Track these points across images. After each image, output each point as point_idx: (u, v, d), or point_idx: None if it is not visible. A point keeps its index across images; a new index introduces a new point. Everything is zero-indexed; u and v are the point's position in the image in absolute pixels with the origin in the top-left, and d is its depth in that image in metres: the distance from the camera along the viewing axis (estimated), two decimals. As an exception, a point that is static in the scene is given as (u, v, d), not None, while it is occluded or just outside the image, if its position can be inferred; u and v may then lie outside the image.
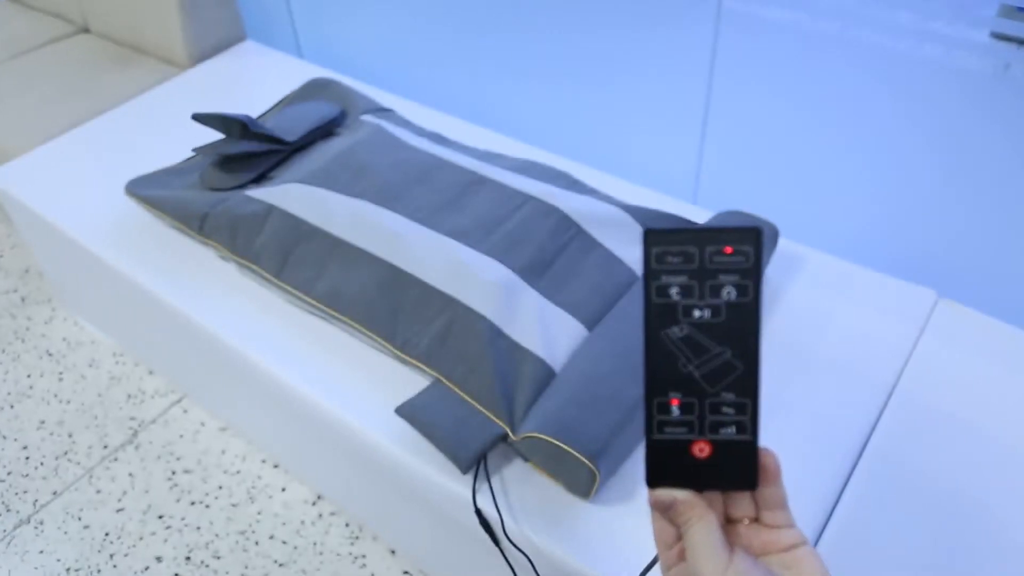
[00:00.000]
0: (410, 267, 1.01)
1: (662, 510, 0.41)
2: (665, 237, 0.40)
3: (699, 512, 0.39)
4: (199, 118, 1.24)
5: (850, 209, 1.19)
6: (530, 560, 0.84)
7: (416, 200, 1.11)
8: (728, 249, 0.39)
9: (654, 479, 0.41)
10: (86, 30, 1.91)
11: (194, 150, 1.22)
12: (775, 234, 1.07)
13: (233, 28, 1.74)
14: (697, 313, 0.40)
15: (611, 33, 1.26)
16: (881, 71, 1.04)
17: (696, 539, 0.38)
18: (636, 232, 1.09)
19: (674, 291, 0.40)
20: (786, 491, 0.41)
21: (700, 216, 1.16)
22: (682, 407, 0.40)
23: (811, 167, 1.18)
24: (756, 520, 0.41)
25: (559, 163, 1.28)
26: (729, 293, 0.39)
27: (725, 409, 0.40)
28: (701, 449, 0.40)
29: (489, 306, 0.95)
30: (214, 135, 1.39)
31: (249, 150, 1.23)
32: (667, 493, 0.40)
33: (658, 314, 0.40)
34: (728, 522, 0.41)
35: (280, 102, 1.46)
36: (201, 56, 1.69)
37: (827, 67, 1.08)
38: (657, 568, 0.43)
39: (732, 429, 0.40)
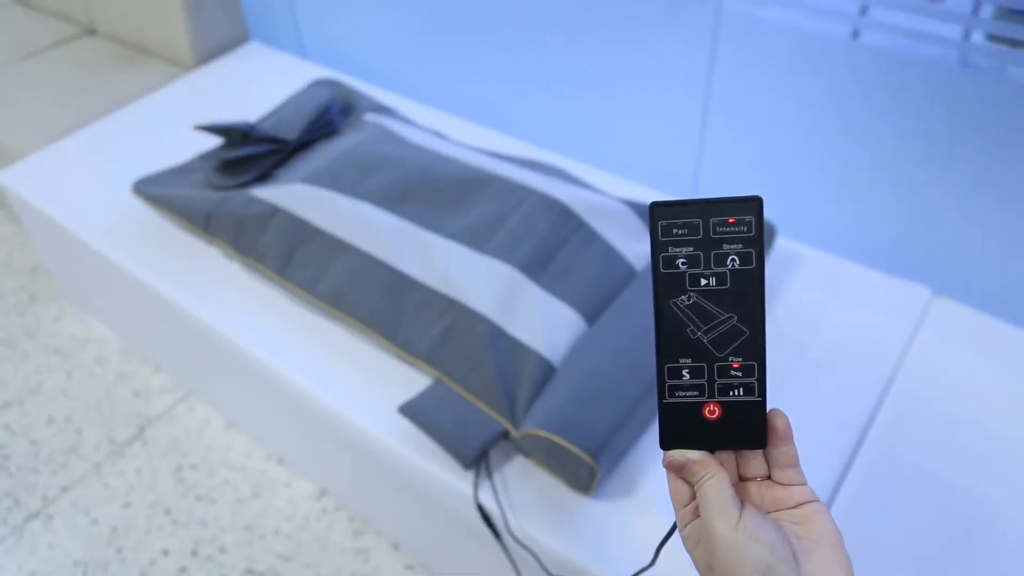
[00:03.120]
0: (413, 271, 1.02)
1: (676, 470, 0.43)
2: (671, 210, 0.42)
3: (711, 470, 0.41)
4: (202, 128, 1.26)
5: (846, 207, 1.19)
6: (533, 554, 0.85)
7: (419, 202, 1.12)
8: (731, 219, 0.41)
9: (668, 442, 0.43)
10: (92, 32, 1.92)
11: (199, 157, 1.24)
12: (772, 232, 1.09)
13: (237, 29, 1.75)
14: (703, 281, 0.42)
15: (612, 32, 1.27)
16: (877, 71, 1.04)
17: (708, 496, 0.40)
18: (635, 225, 1.10)
19: (681, 261, 0.42)
20: (797, 451, 0.42)
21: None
22: (692, 371, 0.42)
23: (808, 165, 1.19)
24: (768, 478, 0.42)
25: (560, 162, 1.29)
26: (733, 261, 0.41)
27: (733, 372, 0.42)
28: (712, 411, 0.42)
29: (490, 307, 0.96)
30: (216, 140, 1.40)
31: (252, 152, 1.25)
32: (680, 454, 0.42)
33: (666, 283, 0.42)
34: (741, 480, 0.43)
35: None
36: (206, 57, 1.71)
37: (824, 66, 1.09)
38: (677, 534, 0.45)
39: (741, 391, 0.42)
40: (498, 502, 0.86)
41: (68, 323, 1.65)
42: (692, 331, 0.42)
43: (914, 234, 1.15)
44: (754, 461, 0.43)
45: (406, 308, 1.00)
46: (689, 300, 0.42)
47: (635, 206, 1.12)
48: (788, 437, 0.42)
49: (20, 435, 1.44)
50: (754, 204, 0.41)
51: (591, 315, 0.99)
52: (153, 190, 1.26)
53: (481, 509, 0.87)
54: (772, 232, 1.09)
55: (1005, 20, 0.95)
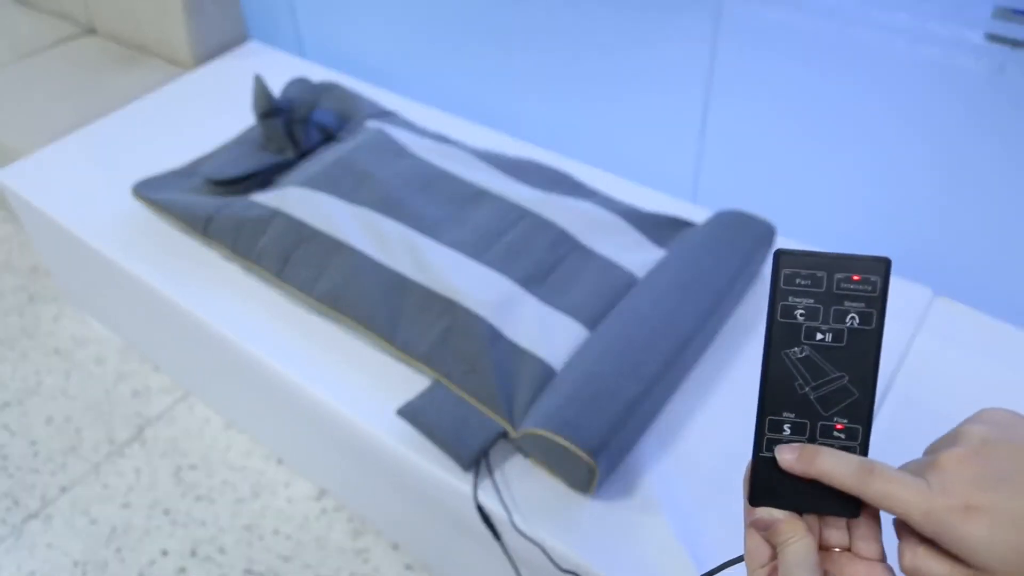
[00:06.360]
0: (411, 274, 1.02)
1: (762, 529, 0.41)
2: (797, 259, 0.40)
3: (799, 533, 0.39)
4: (219, 181, 1.25)
5: (846, 207, 1.19)
6: (541, 548, 0.85)
7: (417, 210, 1.12)
8: (856, 277, 0.40)
9: (757, 498, 0.41)
10: (92, 31, 1.92)
11: (213, 182, 1.25)
12: (771, 232, 1.08)
13: (237, 29, 1.75)
14: (820, 336, 0.40)
15: (612, 31, 1.27)
16: (877, 71, 1.04)
17: (793, 560, 0.39)
18: (633, 237, 1.10)
19: (799, 312, 0.40)
20: (882, 525, 0.41)
21: (699, 214, 1.17)
22: (794, 427, 0.41)
23: (808, 165, 1.19)
24: (848, 550, 0.41)
25: (561, 163, 1.29)
26: (853, 320, 0.40)
27: (836, 434, 0.40)
28: None
29: (489, 311, 0.96)
30: (216, 139, 1.40)
31: (257, 169, 1.26)
32: (768, 512, 0.41)
33: (782, 333, 0.41)
34: (821, 548, 0.41)
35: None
36: (205, 57, 1.70)
37: (824, 67, 1.08)
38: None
39: None
40: (501, 502, 0.86)
41: (67, 323, 1.65)
42: (800, 385, 0.40)
43: (914, 234, 1.14)
44: (837, 530, 0.41)
45: (405, 309, 1.00)
46: (802, 353, 0.40)
47: (633, 216, 1.12)
48: (878, 510, 0.40)
49: (19, 435, 1.44)
50: (883, 265, 0.40)
51: (592, 323, 0.98)
52: (153, 194, 1.25)
53: (481, 509, 0.87)
54: (771, 232, 1.08)
55: (1004, 19, 0.95)
